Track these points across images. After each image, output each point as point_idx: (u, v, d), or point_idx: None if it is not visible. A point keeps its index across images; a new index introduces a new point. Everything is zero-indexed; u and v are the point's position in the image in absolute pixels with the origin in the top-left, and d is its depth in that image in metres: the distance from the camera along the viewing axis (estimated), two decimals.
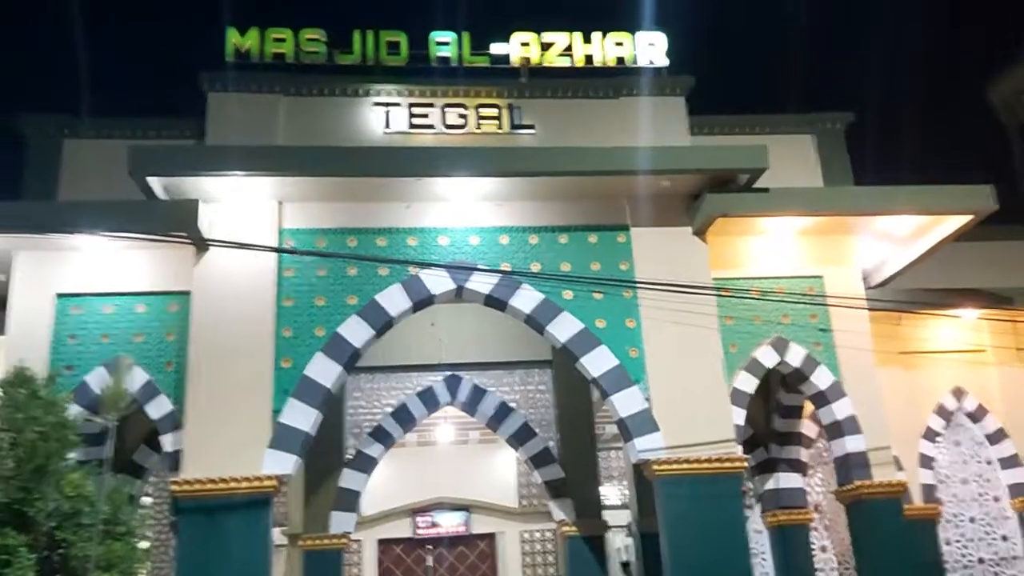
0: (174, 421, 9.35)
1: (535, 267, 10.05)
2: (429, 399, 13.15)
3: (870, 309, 10.61)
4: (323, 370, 9.45)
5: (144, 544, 7.63)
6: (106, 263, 9.82)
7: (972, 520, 12.78)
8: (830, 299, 10.18)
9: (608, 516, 13.16)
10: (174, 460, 9.20)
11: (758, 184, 10.17)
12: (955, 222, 10.55)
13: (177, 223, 9.25)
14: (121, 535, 7.08)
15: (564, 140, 10.37)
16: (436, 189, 9.89)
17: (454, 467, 18.11)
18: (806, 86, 20.32)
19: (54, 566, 6.58)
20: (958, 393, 12.86)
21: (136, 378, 9.26)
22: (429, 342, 13.14)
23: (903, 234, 10.94)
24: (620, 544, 18.02)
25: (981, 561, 12.63)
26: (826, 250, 10.84)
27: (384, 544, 17.94)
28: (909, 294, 11.93)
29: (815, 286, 10.66)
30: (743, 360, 10.28)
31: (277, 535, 13.32)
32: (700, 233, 10.30)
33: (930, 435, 12.63)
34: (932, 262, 11.62)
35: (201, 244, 9.41)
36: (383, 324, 9.74)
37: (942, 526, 12.57)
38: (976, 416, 12.93)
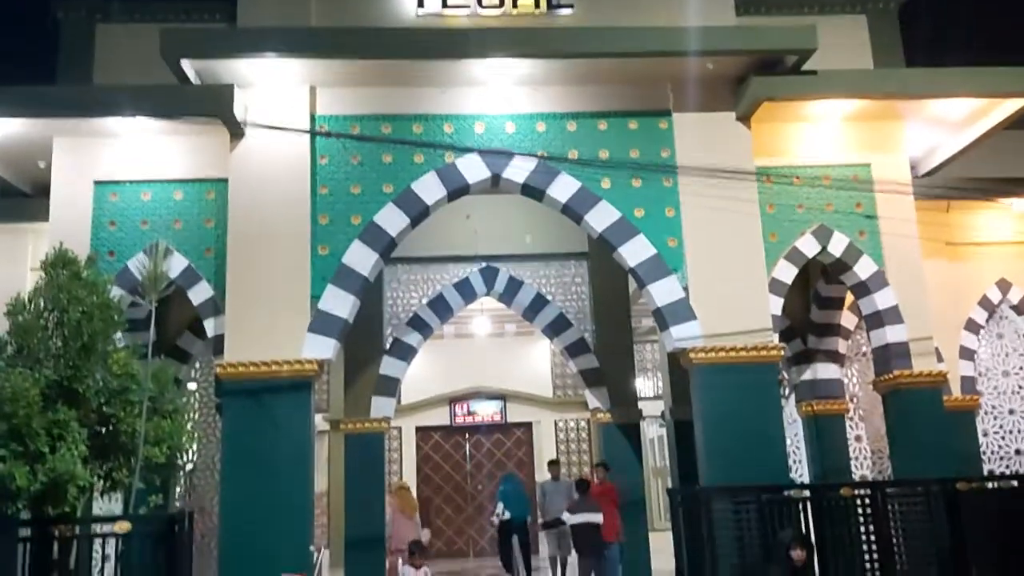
0: (215, 306, 9.49)
1: (573, 155, 9.86)
2: (466, 290, 13.18)
3: (917, 196, 10.32)
4: (360, 258, 9.48)
5: (190, 425, 7.85)
6: (142, 150, 9.81)
7: (1011, 412, 12.73)
8: (876, 186, 9.90)
9: (642, 407, 13.27)
10: (217, 345, 9.38)
11: (806, 67, 9.77)
12: (1011, 106, 10.10)
13: (211, 108, 9.16)
14: (168, 413, 7.30)
15: (604, 20, 9.98)
16: (471, 72, 9.65)
17: (491, 358, 18.39)
18: None
19: (104, 440, 6.82)
20: (1003, 285, 12.62)
21: (176, 264, 9.35)
22: (465, 234, 13.10)
23: (955, 119, 10.52)
24: (654, 434, 18.34)
25: (1019, 452, 12.62)
26: (874, 137, 10.46)
27: (423, 431, 18.43)
28: (958, 183, 11.58)
29: (861, 174, 10.35)
30: (784, 249, 10.09)
31: (320, 421, 13.72)
32: (744, 119, 9.98)
33: (972, 327, 12.48)
34: (983, 152, 11.23)
35: (236, 130, 9.35)
36: (419, 212, 9.68)
37: (981, 418, 12.55)
38: (1021, 308, 12.72)
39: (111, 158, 9.80)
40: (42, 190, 10.16)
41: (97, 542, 6.55)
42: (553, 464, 13.46)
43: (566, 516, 10.89)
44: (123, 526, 6.41)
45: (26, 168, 10.36)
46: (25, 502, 6.34)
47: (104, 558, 6.63)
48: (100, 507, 8.17)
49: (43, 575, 6.42)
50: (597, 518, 10.74)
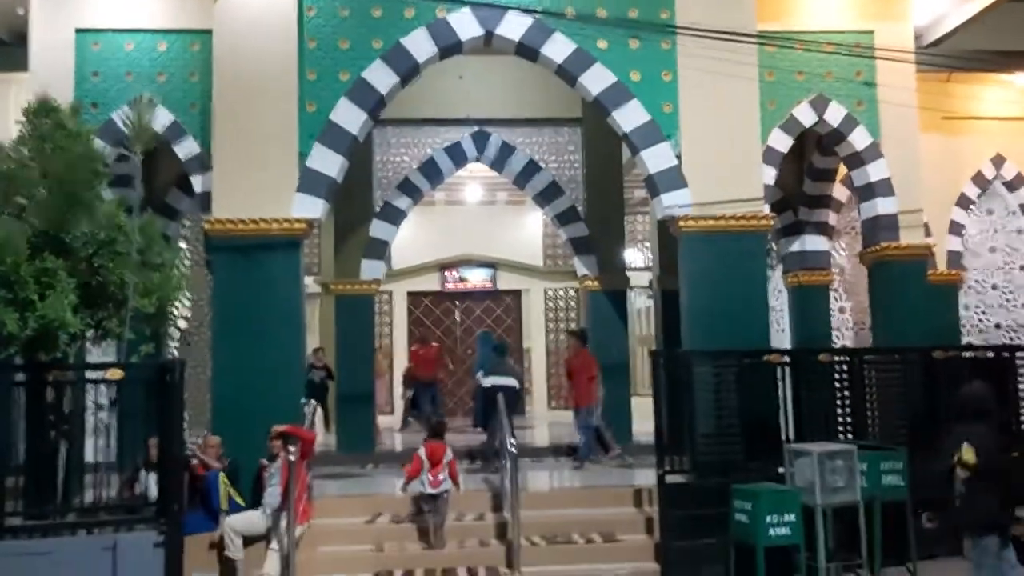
0: (202, 163, 9.39)
1: (569, 13, 9.52)
2: (456, 154, 13.05)
3: (918, 63, 10.12)
4: (348, 116, 9.29)
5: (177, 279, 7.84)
6: None
7: (994, 287, 12.93)
8: (878, 52, 9.69)
9: (630, 276, 13.37)
10: (205, 201, 9.33)
11: None
12: None
13: None
14: (157, 266, 7.31)
15: None
16: None
17: (482, 226, 18.38)
18: None
19: (94, 290, 6.86)
20: (998, 161, 12.56)
21: (161, 118, 9.17)
22: (457, 96, 12.86)
23: None
24: (641, 305, 18.56)
25: (998, 327, 12.89)
26: (879, 3, 10.20)
27: (414, 296, 18.62)
28: (961, 54, 11.32)
29: (864, 41, 10.11)
30: (780, 118, 9.98)
31: (310, 284, 13.82)
32: None
33: (963, 202, 12.51)
34: (988, 23, 10.92)
35: None
36: (408, 70, 9.43)
37: (963, 292, 12.73)
38: (1013, 185, 12.73)
39: (92, 5, 9.50)
40: (21, 38, 9.87)
41: (90, 388, 6.67)
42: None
43: (480, 378, 11.10)
44: (115, 373, 6.53)
45: (4, 15, 10.02)
46: (17, 348, 6.44)
47: (98, 405, 6.78)
48: (95, 358, 8.32)
49: (38, 418, 6.59)
50: (510, 381, 10.92)
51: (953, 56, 10.69)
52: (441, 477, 8.08)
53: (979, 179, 12.57)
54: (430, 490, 8.03)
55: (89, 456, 6.86)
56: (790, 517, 7.17)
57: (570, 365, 11.30)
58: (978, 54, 11.26)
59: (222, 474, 8.07)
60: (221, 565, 7.71)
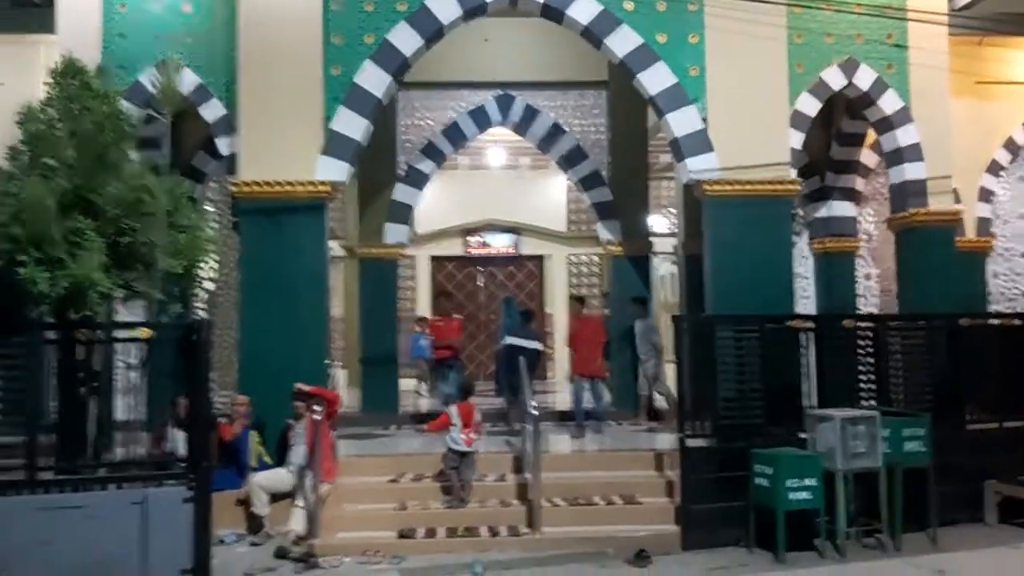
0: (228, 125, 9.42)
1: None
2: (480, 118, 12.99)
3: (950, 26, 9.92)
4: (372, 79, 9.29)
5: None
6: None
7: (1023, 255, 12.75)
8: (909, 15, 9.51)
9: (654, 242, 13.31)
10: (231, 164, 9.39)
11: None
12: None
13: None
14: (184, 228, 7.38)
15: None
16: None
17: (505, 191, 18.30)
18: None
19: (122, 251, 6.94)
20: None
21: (188, 80, 9.20)
22: (481, 59, 12.77)
23: None
24: (666, 271, 18.48)
25: None
26: None
27: (437, 261, 18.66)
28: (996, 17, 11.08)
29: (895, 3, 9.91)
30: (809, 81, 9.84)
31: (335, 247, 13.91)
32: None
33: (994, 169, 12.31)
34: None
35: None
36: (433, 32, 9.40)
37: (992, 259, 12.57)
38: None
39: None
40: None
41: (120, 347, 6.78)
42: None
43: (507, 339, 11.01)
44: (145, 332, 6.62)
45: None
46: (48, 306, 6.55)
47: (128, 365, 6.88)
48: (123, 318, 8.42)
49: (69, 376, 6.71)
50: (530, 344, 10.84)
51: (986, 19, 10.48)
52: (474, 436, 8.27)
53: (1011, 145, 12.35)
54: (464, 448, 8.19)
55: (119, 414, 6.99)
56: (811, 481, 7.21)
57: (573, 332, 11.21)
58: (1012, 17, 11.02)
59: (254, 432, 8.22)
60: (248, 521, 7.89)
